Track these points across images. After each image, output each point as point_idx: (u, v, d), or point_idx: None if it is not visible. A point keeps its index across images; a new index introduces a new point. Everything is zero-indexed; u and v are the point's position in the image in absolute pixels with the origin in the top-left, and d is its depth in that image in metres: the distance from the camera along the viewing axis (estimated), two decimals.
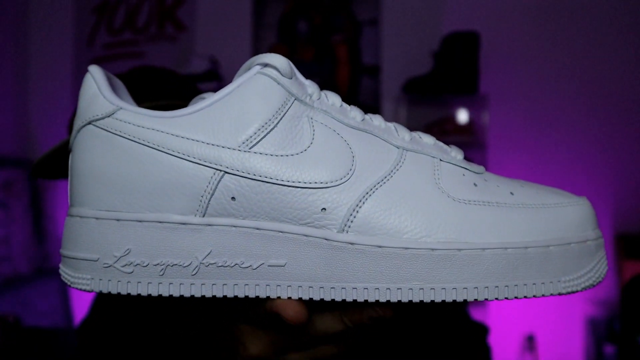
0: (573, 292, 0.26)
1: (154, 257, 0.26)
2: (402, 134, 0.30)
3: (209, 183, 0.26)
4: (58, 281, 2.12)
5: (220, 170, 0.26)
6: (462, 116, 1.93)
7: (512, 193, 0.28)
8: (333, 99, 0.29)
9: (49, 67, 2.26)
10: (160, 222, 0.26)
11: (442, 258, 0.26)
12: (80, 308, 2.14)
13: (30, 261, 2.09)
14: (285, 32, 2.12)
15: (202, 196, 0.26)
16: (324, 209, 0.26)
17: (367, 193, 0.27)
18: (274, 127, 0.27)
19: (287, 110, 0.27)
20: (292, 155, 0.26)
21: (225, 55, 2.04)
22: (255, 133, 0.26)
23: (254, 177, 0.26)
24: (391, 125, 0.30)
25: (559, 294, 0.26)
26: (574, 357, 1.93)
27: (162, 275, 0.26)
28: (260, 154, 0.26)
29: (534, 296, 0.26)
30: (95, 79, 0.28)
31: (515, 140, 1.96)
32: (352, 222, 0.26)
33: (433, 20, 2.00)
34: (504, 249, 0.26)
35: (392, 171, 0.28)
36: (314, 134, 0.27)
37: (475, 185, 0.29)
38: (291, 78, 0.28)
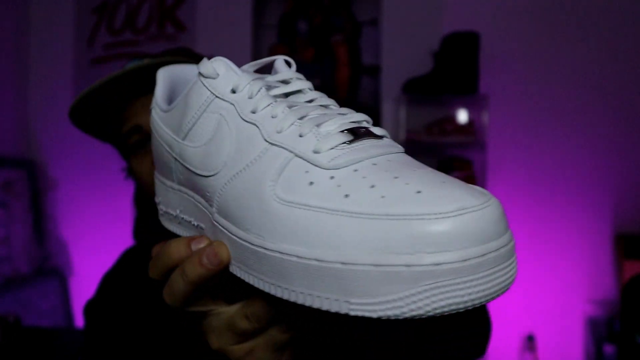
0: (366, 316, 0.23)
1: (170, 209, 0.37)
2: (282, 127, 0.29)
3: (173, 164, 0.35)
4: (58, 281, 2.13)
5: (174, 157, 0.34)
6: (462, 116, 1.93)
7: (349, 195, 0.25)
8: (253, 90, 0.31)
9: (49, 67, 2.26)
10: (167, 185, 0.37)
11: (263, 257, 0.26)
12: (80, 308, 2.14)
13: (31, 261, 2.09)
14: (285, 32, 2.12)
15: (172, 171, 0.35)
16: (208, 193, 0.31)
17: (229, 181, 0.29)
18: (196, 122, 0.32)
19: (206, 107, 0.32)
20: (198, 147, 0.32)
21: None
22: (187, 127, 0.33)
23: (183, 163, 0.33)
24: (285, 117, 0.29)
25: (347, 314, 0.23)
26: (574, 357, 1.93)
27: (173, 220, 0.37)
28: (187, 145, 0.33)
29: (328, 310, 0.24)
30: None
31: (515, 140, 1.96)
32: (217, 205, 0.30)
33: (433, 20, 2.00)
34: (298, 257, 0.24)
35: (250, 163, 0.29)
36: (216, 128, 0.31)
37: (310, 184, 0.26)
38: (215, 78, 0.32)
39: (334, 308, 0.23)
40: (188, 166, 0.33)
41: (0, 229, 1.98)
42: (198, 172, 0.32)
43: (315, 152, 0.28)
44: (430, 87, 1.85)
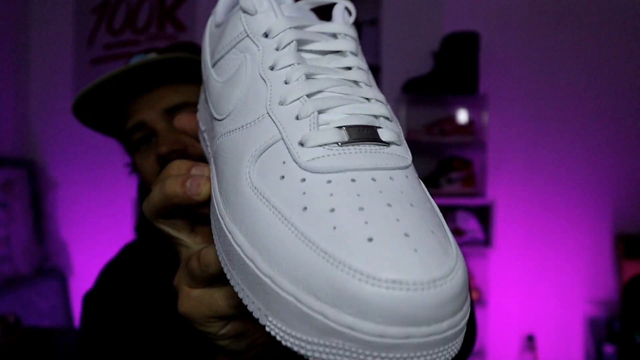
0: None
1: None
2: (287, 99, 0.26)
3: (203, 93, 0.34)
4: (58, 281, 2.13)
5: (203, 80, 0.33)
6: (462, 116, 1.93)
7: (307, 209, 0.22)
8: (283, 41, 0.28)
9: (49, 67, 2.26)
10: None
11: (220, 228, 0.26)
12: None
13: (31, 261, 2.09)
14: None
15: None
16: (213, 138, 0.30)
17: (225, 134, 0.28)
18: (225, 54, 0.30)
19: (237, 43, 0.29)
20: (219, 82, 0.30)
21: None
22: (218, 56, 0.31)
23: (206, 94, 0.32)
24: (294, 87, 0.26)
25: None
26: (574, 357, 1.93)
27: None
28: (213, 75, 0.31)
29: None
30: None
31: (515, 140, 1.96)
32: (213, 154, 0.29)
33: (433, 20, 2.00)
34: (242, 250, 0.23)
35: (245, 126, 0.27)
36: (237, 69, 0.29)
37: (282, 178, 0.24)
38: (253, 14, 0.29)
39: (255, 314, 0.22)
40: (208, 100, 0.31)
41: (0, 229, 1.98)
42: (212, 111, 0.30)
43: (301, 143, 0.24)
44: (430, 87, 1.85)
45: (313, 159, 0.24)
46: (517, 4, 1.96)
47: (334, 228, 0.21)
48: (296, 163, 0.24)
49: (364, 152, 0.24)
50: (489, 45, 1.91)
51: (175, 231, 0.31)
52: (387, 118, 0.27)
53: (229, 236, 0.24)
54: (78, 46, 2.24)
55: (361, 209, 0.21)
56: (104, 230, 2.17)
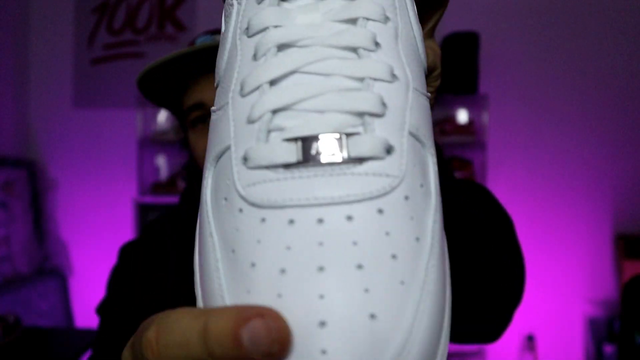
0: None
1: None
2: (247, 87, 0.19)
3: None
4: (58, 281, 2.13)
5: None
6: (462, 116, 1.93)
7: (235, 252, 0.17)
8: None
9: (49, 67, 2.26)
10: None
11: None
12: (80, 308, 2.14)
13: (31, 261, 2.09)
14: None
15: None
16: None
17: (214, 111, 0.22)
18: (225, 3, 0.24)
19: None
20: (222, 33, 0.23)
21: None
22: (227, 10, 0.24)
23: None
24: (257, 69, 0.19)
25: None
26: (574, 357, 1.93)
27: None
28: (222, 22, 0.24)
29: None
30: None
31: (515, 140, 1.96)
32: None
33: None
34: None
35: (219, 110, 0.20)
36: (226, 23, 0.23)
37: (225, 200, 0.18)
38: None
39: None
40: None
41: (0, 229, 1.98)
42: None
43: (245, 159, 0.18)
44: None
45: (252, 184, 0.17)
46: (517, 4, 1.96)
47: (248, 292, 0.16)
48: (235, 187, 0.18)
49: (319, 177, 0.17)
50: (489, 45, 1.91)
51: None
52: (375, 115, 0.18)
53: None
54: (78, 46, 2.24)
55: (283, 271, 0.15)
56: (103, 230, 2.17)
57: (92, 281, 2.06)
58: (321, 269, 0.15)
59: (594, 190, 1.92)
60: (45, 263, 2.16)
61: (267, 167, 0.17)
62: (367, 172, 0.17)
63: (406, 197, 0.17)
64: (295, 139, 0.17)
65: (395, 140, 0.18)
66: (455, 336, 0.44)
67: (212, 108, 0.21)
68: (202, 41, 0.60)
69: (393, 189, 0.17)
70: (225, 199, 0.18)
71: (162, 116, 2.10)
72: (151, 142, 2.10)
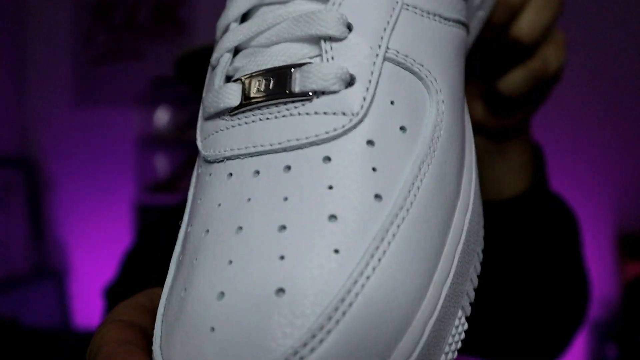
0: None
1: None
2: (223, 19, 0.18)
3: None
4: (56, 282, 2.12)
5: None
6: None
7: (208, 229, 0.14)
8: None
9: (48, 66, 2.25)
10: None
11: None
12: (79, 309, 2.13)
13: (29, 262, 2.08)
14: None
15: None
16: None
17: None
18: None
19: None
20: None
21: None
22: None
23: None
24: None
25: None
26: (575, 357, 1.93)
27: None
28: None
29: None
30: None
31: None
32: None
33: None
34: None
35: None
36: None
37: (199, 168, 0.17)
38: None
39: None
40: None
41: None
42: None
43: (204, 108, 0.16)
44: None
45: (206, 136, 0.16)
46: None
47: (182, 254, 0.15)
48: (197, 142, 0.16)
49: (259, 122, 0.14)
50: None
51: None
52: (335, 39, 0.15)
53: None
54: (76, 44, 2.23)
55: (206, 232, 0.14)
56: (102, 231, 2.16)
57: (90, 282, 2.05)
58: (239, 229, 0.13)
59: (596, 189, 1.91)
60: (42, 264, 2.15)
61: (218, 115, 0.15)
62: (316, 110, 0.14)
63: (369, 142, 0.14)
64: (241, 79, 0.15)
65: (358, 69, 0.14)
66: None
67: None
68: None
69: (347, 130, 0.14)
70: (198, 156, 0.16)
71: (162, 115, 2.09)
72: (151, 142, 2.09)
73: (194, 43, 2.19)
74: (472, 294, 0.15)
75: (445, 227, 0.14)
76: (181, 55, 0.60)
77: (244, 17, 0.17)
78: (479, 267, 0.16)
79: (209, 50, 0.61)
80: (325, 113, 0.14)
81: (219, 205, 0.14)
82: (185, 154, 2.05)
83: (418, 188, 0.14)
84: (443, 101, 0.16)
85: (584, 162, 1.93)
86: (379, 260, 0.12)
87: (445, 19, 0.17)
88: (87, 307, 2.05)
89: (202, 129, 0.16)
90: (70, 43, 2.24)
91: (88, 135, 2.17)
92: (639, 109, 1.90)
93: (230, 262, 0.12)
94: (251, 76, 0.15)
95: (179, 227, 0.17)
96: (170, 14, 2.17)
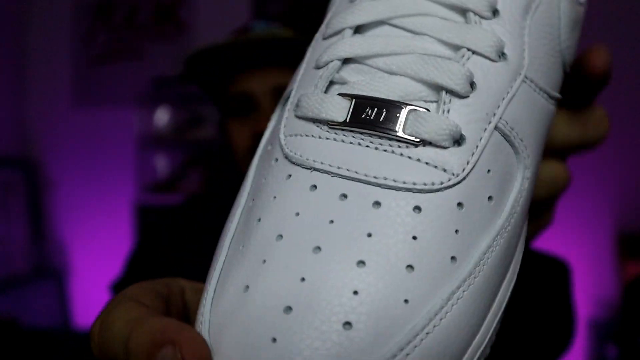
0: None
1: None
2: (329, 22, 0.19)
3: None
4: (56, 282, 2.12)
5: None
6: None
7: (261, 220, 0.15)
8: None
9: (48, 66, 2.25)
10: None
11: None
12: (79, 309, 2.13)
13: (29, 261, 2.08)
14: None
15: None
16: None
17: None
18: None
19: None
20: None
21: None
22: None
23: None
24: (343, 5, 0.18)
25: None
26: (575, 357, 1.93)
27: None
28: None
29: None
30: None
31: None
32: None
33: None
34: None
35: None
36: None
37: (276, 160, 0.16)
38: None
39: None
40: None
41: None
42: None
43: (297, 106, 0.16)
44: None
45: (293, 134, 0.15)
46: None
47: (242, 246, 0.14)
48: (279, 141, 0.16)
49: (360, 147, 0.14)
50: None
51: None
52: (456, 94, 0.15)
53: None
54: (77, 44, 2.23)
55: (280, 237, 0.13)
56: (102, 231, 2.16)
57: (90, 282, 2.05)
58: (317, 249, 0.13)
59: (596, 189, 1.91)
60: (43, 263, 2.15)
61: (314, 121, 0.15)
62: (419, 157, 0.14)
63: (459, 204, 0.14)
64: (350, 96, 0.15)
65: (470, 131, 0.14)
66: None
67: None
68: (257, 28, 0.59)
69: (444, 187, 0.14)
70: (271, 144, 0.16)
71: (162, 115, 2.09)
72: (150, 142, 2.09)
73: (194, 43, 2.20)
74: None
75: (493, 297, 0.15)
76: (191, 54, 0.59)
77: (359, 26, 0.17)
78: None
79: (217, 49, 0.60)
80: (427, 164, 0.14)
81: (297, 214, 0.14)
82: (185, 154, 2.05)
83: (488, 259, 0.14)
84: (528, 178, 0.16)
85: (584, 162, 1.92)
86: (441, 320, 0.13)
87: (550, 97, 0.17)
88: (87, 307, 2.05)
89: (290, 124, 0.16)
90: (70, 43, 2.24)
91: (88, 135, 2.17)
92: (639, 109, 1.90)
93: (303, 279, 0.12)
94: (364, 99, 0.14)
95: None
96: (171, 14, 2.17)
